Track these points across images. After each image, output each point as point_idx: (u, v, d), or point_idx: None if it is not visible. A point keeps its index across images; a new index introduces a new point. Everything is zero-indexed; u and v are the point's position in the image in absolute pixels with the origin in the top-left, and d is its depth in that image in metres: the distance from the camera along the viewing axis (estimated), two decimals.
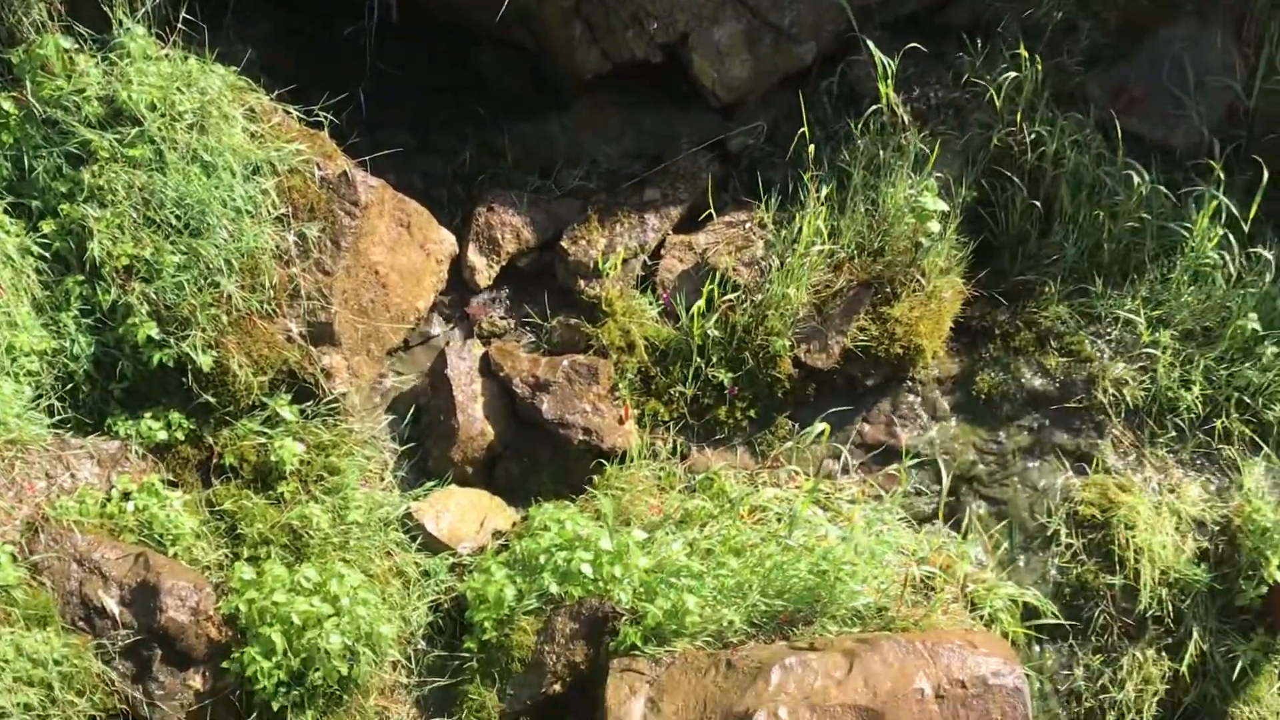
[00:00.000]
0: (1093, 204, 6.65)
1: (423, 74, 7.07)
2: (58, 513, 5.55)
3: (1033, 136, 6.64)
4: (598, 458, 6.28)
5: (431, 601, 5.99)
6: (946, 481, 6.39)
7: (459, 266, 6.68)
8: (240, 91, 6.11)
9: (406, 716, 5.79)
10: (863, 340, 6.44)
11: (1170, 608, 6.10)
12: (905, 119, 6.56)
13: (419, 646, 5.91)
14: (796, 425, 6.45)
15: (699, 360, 6.40)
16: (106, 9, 5.89)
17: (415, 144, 6.88)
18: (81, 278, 5.87)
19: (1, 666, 5.17)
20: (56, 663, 5.28)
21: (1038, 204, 6.68)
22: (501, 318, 6.72)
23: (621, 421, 6.34)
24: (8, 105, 5.82)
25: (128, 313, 5.83)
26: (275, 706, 5.48)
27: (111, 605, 5.47)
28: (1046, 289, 6.66)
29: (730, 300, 6.42)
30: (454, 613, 5.98)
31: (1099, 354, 6.59)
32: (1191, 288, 6.58)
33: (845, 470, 6.43)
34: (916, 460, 6.35)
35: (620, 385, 6.38)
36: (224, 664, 5.50)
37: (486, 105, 7.00)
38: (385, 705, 5.77)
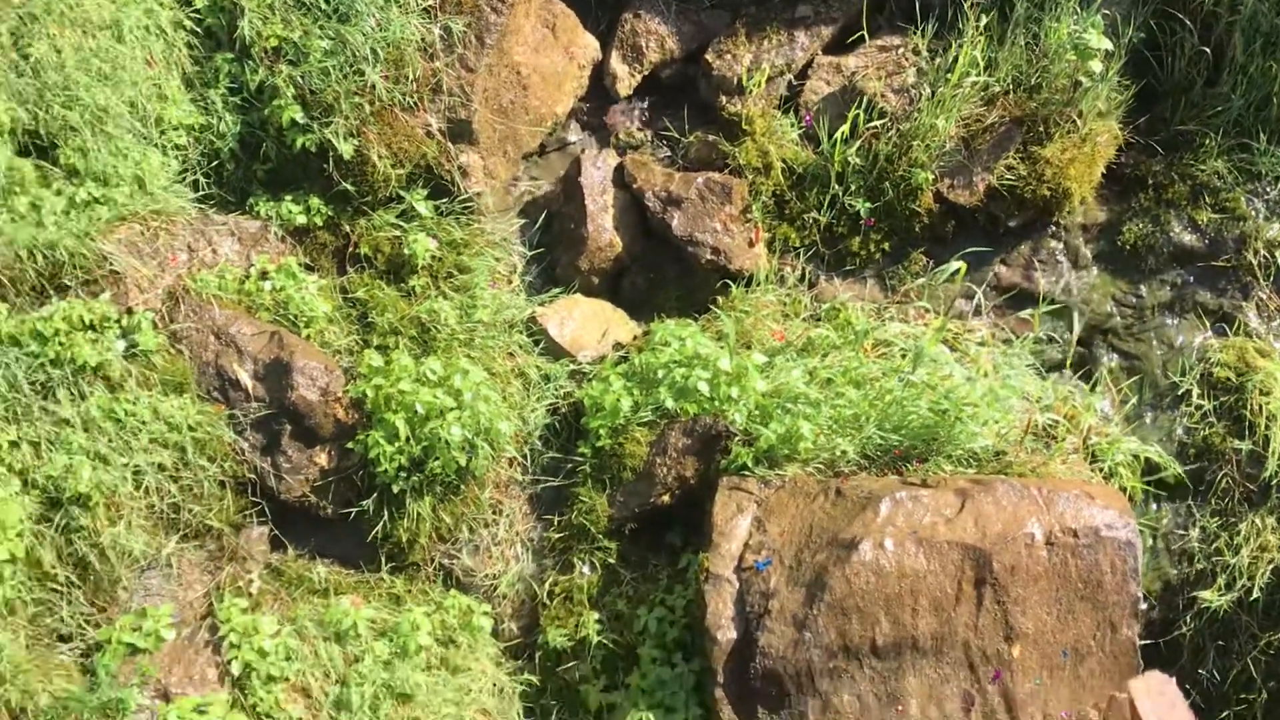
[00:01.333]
0: (1266, 55, 6.29)
1: None
2: (198, 285, 5.76)
3: None
4: (724, 278, 6.28)
5: (549, 404, 6.12)
6: (1078, 330, 6.27)
7: (600, 74, 6.62)
8: None
9: (518, 511, 6.00)
10: (1009, 179, 6.27)
11: None
12: None
13: (534, 446, 6.07)
14: (931, 262, 6.36)
15: (836, 187, 6.30)
16: None
17: None
18: (231, 56, 5.97)
19: (139, 427, 5.47)
20: (190, 428, 5.56)
21: (1207, 50, 6.35)
22: (639, 129, 6.67)
23: (751, 244, 6.32)
24: None
25: (274, 94, 5.93)
26: (395, 489, 5.71)
27: (245, 379, 5.71)
28: (1207, 141, 6.37)
29: (875, 127, 6.28)
30: (570, 417, 6.11)
31: (1254, 213, 6.34)
32: None
33: (977, 311, 6.34)
34: (1052, 306, 6.23)
35: (753, 207, 6.34)
36: (349, 444, 5.72)
37: None
38: (499, 499, 5.98)
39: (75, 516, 5.28)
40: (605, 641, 5.63)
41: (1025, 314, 6.19)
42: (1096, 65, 6.10)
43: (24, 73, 5.66)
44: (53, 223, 5.55)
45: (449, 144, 6.05)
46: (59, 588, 5.29)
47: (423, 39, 5.97)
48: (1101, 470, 5.92)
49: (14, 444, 5.27)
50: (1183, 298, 6.30)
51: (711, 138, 6.46)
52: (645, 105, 6.67)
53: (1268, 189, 6.34)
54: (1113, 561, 5.27)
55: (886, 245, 6.37)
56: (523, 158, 6.42)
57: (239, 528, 5.72)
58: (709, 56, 6.51)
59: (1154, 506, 6.07)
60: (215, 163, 6.02)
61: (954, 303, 6.33)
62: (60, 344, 5.33)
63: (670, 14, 6.57)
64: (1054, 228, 6.41)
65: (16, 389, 5.30)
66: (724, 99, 6.47)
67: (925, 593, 5.23)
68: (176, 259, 5.73)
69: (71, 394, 5.40)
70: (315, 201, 6.06)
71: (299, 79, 5.87)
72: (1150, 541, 5.99)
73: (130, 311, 5.53)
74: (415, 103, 5.99)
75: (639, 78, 6.59)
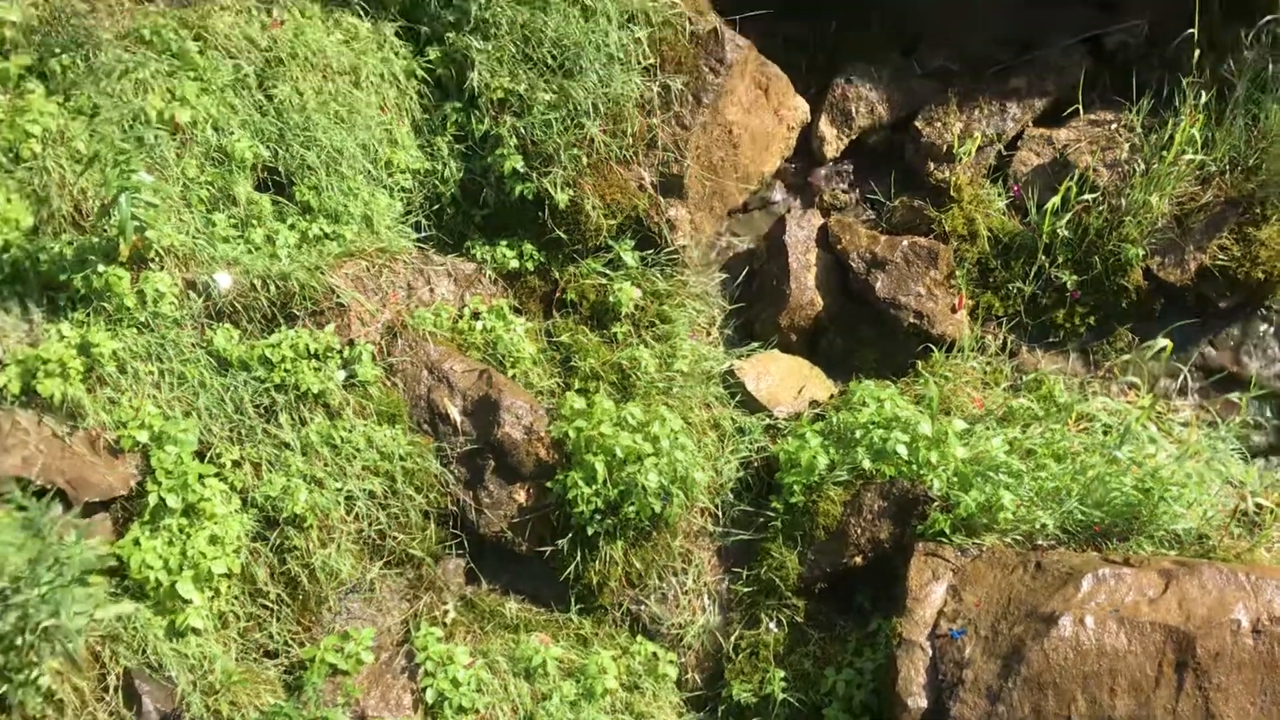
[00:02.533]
0: None
1: None
2: (415, 322, 6.03)
3: None
4: (925, 343, 6.33)
5: (743, 458, 6.22)
6: None
7: (808, 135, 6.78)
8: None
9: (708, 562, 6.09)
10: (1222, 260, 6.23)
11: None
12: None
13: (726, 498, 6.16)
14: (1136, 339, 6.33)
15: (1043, 259, 6.33)
16: None
17: (782, 6, 6.96)
18: (459, 105, 6.28)
19: (353, 454, 5.72)
20: (401, 458, 5.80)
21: None
22: (844, 191, 6.81)
23: (954, 310, 6.37)
24: None
25: (497, 143, 6.21)
26: (589, 531, 5.83)
27: (455, 413, 5.94)
28: None
29: (1086, 201, 6.30)
30: (764, 472, 6.20)
31: None
32: None
33: (1182, 391, 6.29)
34: (1260, 392, 6.15)
35: (957, 273, 6.40)
36: (548, 484, 5.89)
37: None
38: (689, 548, 6.07)
39: (289, 536, 5.53)
40: (790, 700, 5.66)
41: (1233, 397, 6.11)
42: None
43: (267, 112, 6.03)
44: (286, 255, 5.88)
45: (659, 197, 6.25)
46: (270, 605, 5.54)
47: (642, 95, 6.20)
48: None
49: (237, 463, 5.56)
50: None
51: (917, 203, 6.55)
52: (851, 168, 6.81)
53: None
54: None
55: (1092, 319, 6.36)
56: (728, 213, 6.60)
57: (438, 558, 5.92)
58: (918, 123, 6.62)
59: None
60: (437, 206, 6.30)
61: (1159, 381, 6.28)
62: (286, 370, 5.62)
63: (881, 81, 6.70)
64: (1265, 311, 6.34)
65: (242, 411, 5.59)
66: (931, 165, 6.56)
67: (1124, 673, 5.16)
68: (397, 295, 6.00)
69: (293, 419, 5.68)
70: (528, 247, 6.31)
71: (521, 130, 6.13)
72: None
73: (352, 343, 5.80)
74: (630, 156, 6.21)
75: (846, 141, 6.73)
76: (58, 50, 5.77)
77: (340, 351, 5.73)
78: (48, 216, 5.56)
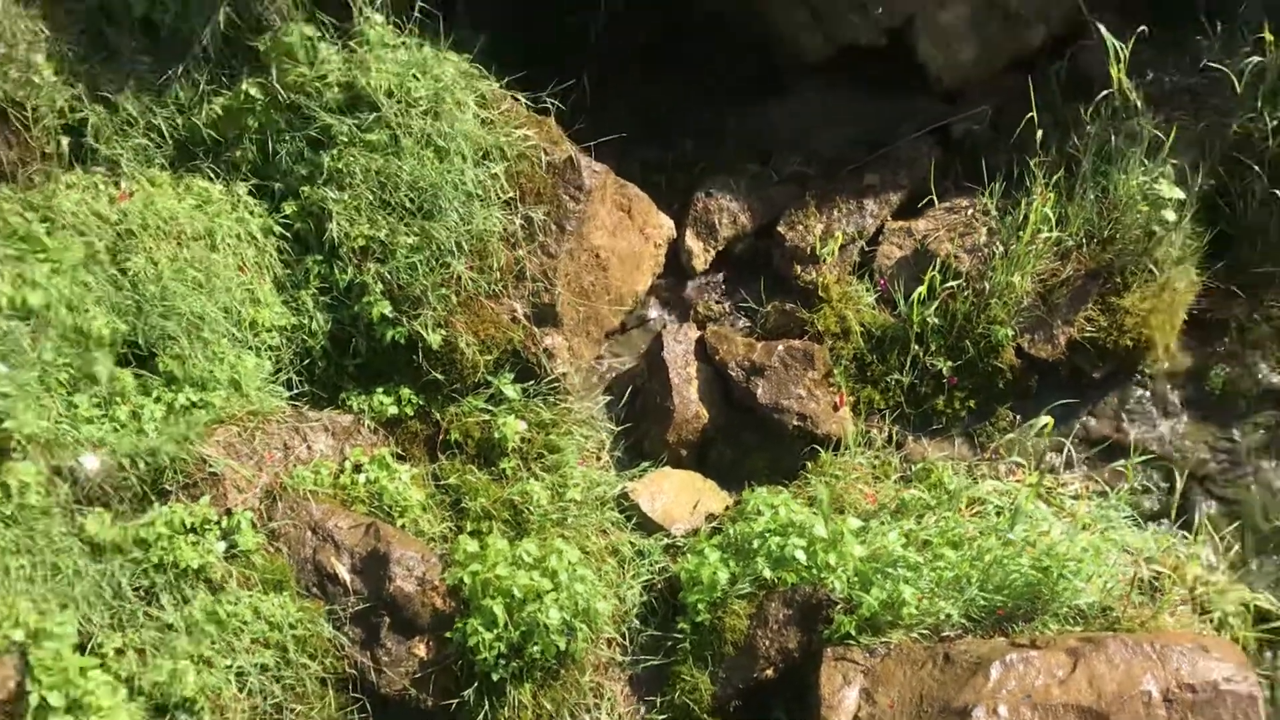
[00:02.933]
0: None
1: (642, 60, 7.27)
2: (295, 482, 5.90)
3: (1275, 123, 6.45)
4: (811, 444, 6.35)
5: (645, 581, 6.15)
6: (1180, 482, 6.27)
7: (676, 251, 6.85)
8: (472, 78, 6.38)
9: (620, 694, 5.97)
10: (1090, 331, 6.37)
11: None
12: (1138, 104, 6.44)
13: (633, 625, 6.05)
14: (1018, 417, 6.42)
15: (917, 348, 6.42)
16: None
17: (636, 129, 7.07)
18: (320, 257, 6.24)
19: (240, 628, 5.55)
20: (291, 626, 5.63)
21: (1278, 193, 6.50)
22: (717, 302, 6.87)
23: (836, 408, 6.42)
24: (254, 91, 6.22)
25: (363, 291, 6.17)
26: (495, 678, 5.68)
27: (343, 572, 5.80)
28: None
29: (951, 288, 6.42)
30: (667, 593, 6.13)
31: None
32: None
33: (1069, 465, 6.37)
34: (1145, 457, 6.25)
35: (835, 372, 6.46)
36: (447, 634, 5.74)
37: (705, 92, 7.16)
38: (600, 681, 5.96)
39: None
40: None
41: (1119, 465, 6.21)
42: (1170, 214, 6.24)
43: (122, 286, 5.93)
44: (153, 429, 5.75)
45: (534, 328, 6.24)
46: None
47: (505, 229, 6.22)
48: (1211, 621, 5.86)
49: (120, 651, 5.36)
50: (1278, 439, 6.31)
51: (789, 306, 6.63)
52: (721, 279, 6.88)
53: None
54: (1234, 716, 5.18)
55: (972, 403, 6.45)
56: (605, 336, 6.61)
57: None
58: (781, 228, 6.73)
59: (1269, 655, 5.98)
60: (307, 360, 6.23)
61: (1044, 457, 6.36)
62: (163, 549, 5.47)
63: (741, 191, 6.82)
64: (1140, 377, 6.48)
65: (121, 596, 5.42)
66: (798, 268, 6.66)
67: None
68: (273, 457, 5.89)
69: (175, 598, 5.51)
70: (406, 392, 6.25)
71: (387, 275, 6.11)
72: (1269, 693, 5.88)
73: (230, 512, 5.66)
74: (500, 290, 6.21)
75: (714, 253, 6.81)
76: None
77: (218, 523, 5.59)
78: None
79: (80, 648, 5.26)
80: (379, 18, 6.24)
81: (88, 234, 5.93)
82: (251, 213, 6.19)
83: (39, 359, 5.67)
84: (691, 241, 6.77)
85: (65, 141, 6.00)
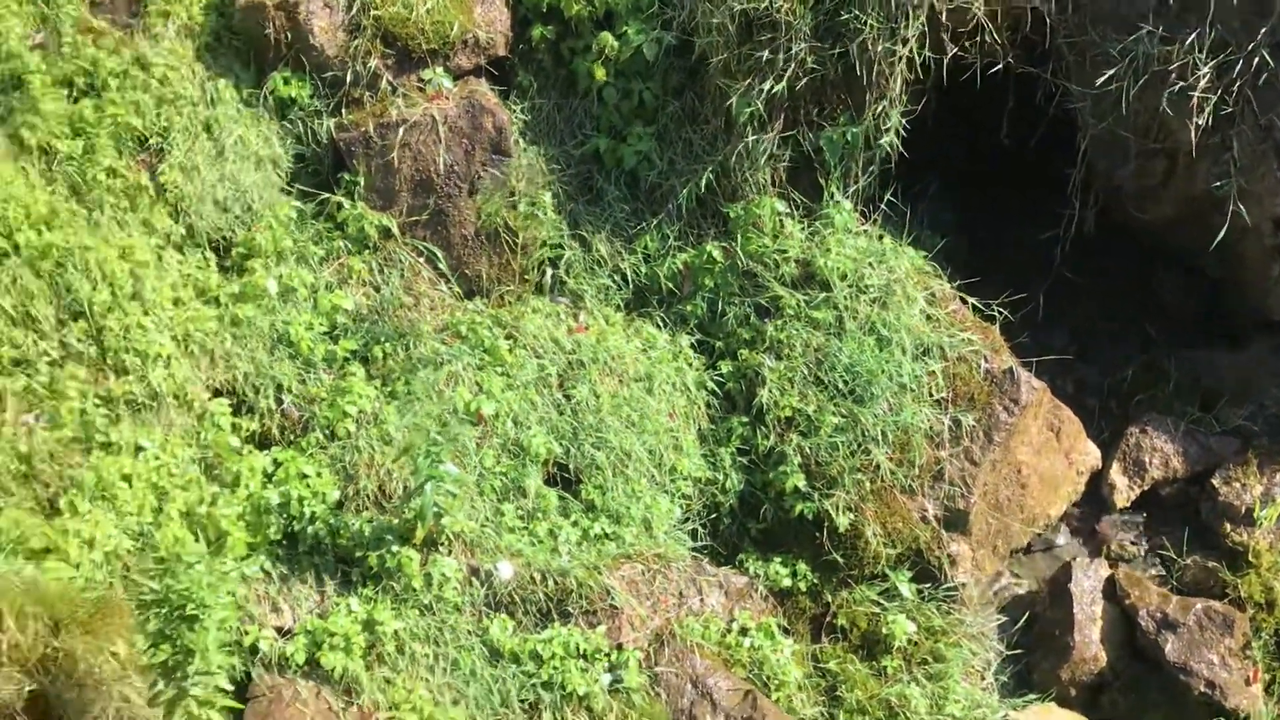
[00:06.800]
0: None
1: (1097, 282, 7.49)
2: (684, 631, 6.22)
3: None
4: (1216, 715, 6.21)
5: None
6: None
7: (1098, 482, 6.93)
8: (925, 275, 6.77)
9: None
10: None
11: None
12: None
13: None
14: None
15: None
16: (822, 181, 6.79)
17: (1076, 350, 7.26)
18: (745, 419, 6.67)
19: None
20: None
21: None
22: (1132, 542, 6.87)
23: (1249, 683, 6.25)
24: (717, 253, 6.82)
25: (781, 460, 6.54)
26: None
27: None
28: None
29: None
30: None
31: None
32: None
33: None
34: None
35: (1254, 645, 6.32)
36: None
37: (1156, 325, 7.29)
38: None
39: None
40: None
41: None
42: None
43: (564, 411, 6.53)
44: (566, 551, 6.24)
45: (942, 531, 6.43)
46: None
47: (931, 427, 6.48)
48: None
49: None
50: None
51: (1211, 564, 6.54)
52: (1141, 520, 6.88)
53: None
54: None
55: None
56: (1010, 553, 6.72)
57: None
58: (1215, 481, 6.68)
59: None
60: (714, 515, 6.62)
61: None
62: (554, 668, 5.87)
63: (1177, 434, 6.84)
64: None
65: (508, 704, 5.84)
66: (1229, 526, 6.58)
67: None
68: (667, 602, 6.26)
69: (555, 718, 5.91)
70: (802, 567, 6.52)
71: (807, 449, 6.46)
72: None
73: (620, 647, 6.03)
74: (916, 487, 6.45)
75: (1138, 491, 6.83)
76: (381, 339, 6.44)
77: (608, 654, 5.95)
78: (353, 493, 6.08)
79: None
80: (847, 204, 6.73)
81: (543, 357, 6.59)
82: (690, 364, 6.72)
83: (480, 464, 6.30)
84: (1117, 476, 6.82)
85: (550, 273, 6.73)
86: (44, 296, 5.87)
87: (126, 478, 5.69)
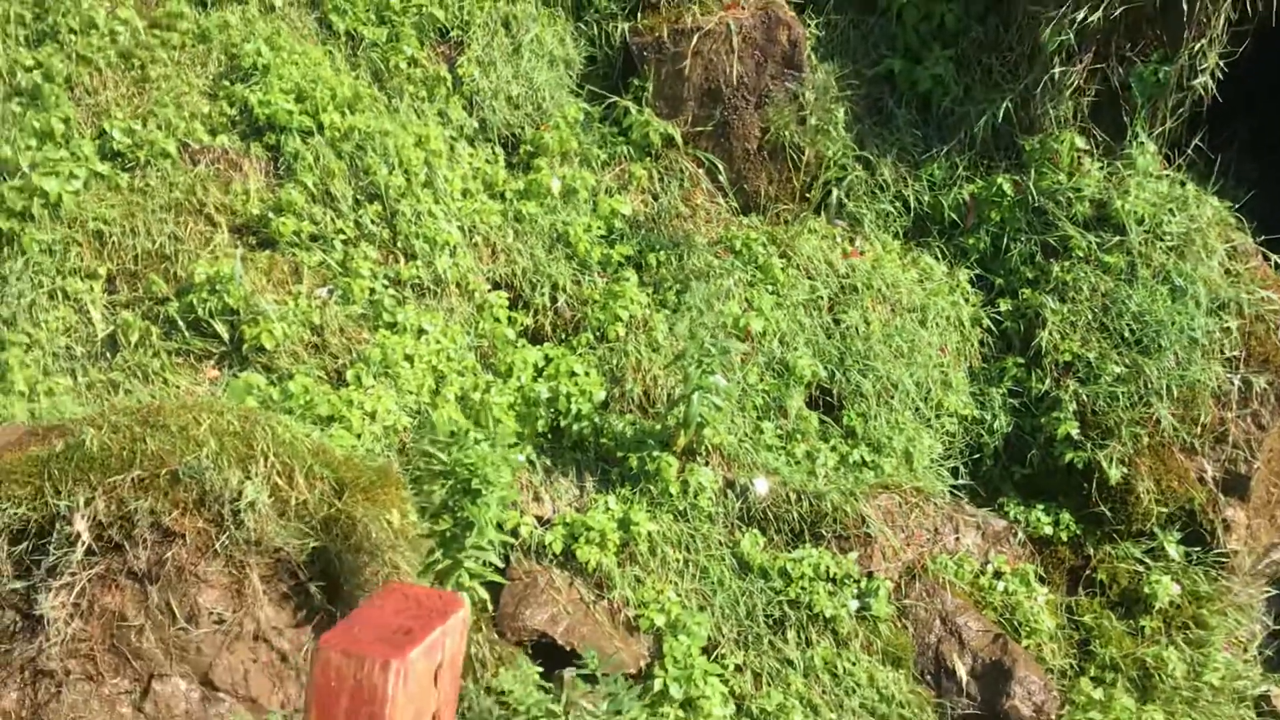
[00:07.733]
0: None
1: None
2: (936, 568, 6.19)
3: None
4: None
5: None
6: None
7: None
8: (1227, 227, 6.48)
9: None
10: None
11: None
12: None
13: None
14: None
15: None
16: (1126, 120, 6.54)
17: None
18: (1020, 360, 6.53)
19: (853, 688, 5.90)
20: (900, 705, 5.87)
21: None
22: None
23: None
24: (1007, 186, 6.67)
25: (1055, 406, 6.39)
26: None
27: (962, 672, 6.01)
28: None
29: None
30: None
31: None
32: None
33: None
34: None
35: None
36: None
37: None
38: None
39: None
40: None
41: None
42: None
43: (832, 335, 6.51)
44: (823, 475, 6.26)
45: (1219, 494, 6.20)
46: None
47: (1219, 386, 6.24)
48: None
49: (739, 668, 5.85)
50: None
51: None
52: None
53: None
54: None
55: None
56: None
57: None
58: None
59: None
60: (977, 456, 6.52)
61: None
62: (802, 587, 5.91)
63: None
64: None
65: (753, 617, 5.92)
66: None
67: None
68: (922, 537, 6.22)
69: (800, 637, 5.94)
70: (1066, 517, 6.38)
71: (1084, 397, 6.29)
72: None
73: (870, 575, 6.03)
74: (1196, 446, 6.22)
75: None
76: (655, 246, 6.53)
77: (858, 581, 5.97)
78: (618, 395, 6.22)
79: (705, 652, 5.81)
80: (1151, 146, 6.47)
81: (815, 279, 6.57)
82: (967, 300, 6.60)
83: (744, 380, 6.36)
84: None
85: (834, 194, 6.70)
86: (343, 176, 6.13)
87: (409, 358, 5.92)
